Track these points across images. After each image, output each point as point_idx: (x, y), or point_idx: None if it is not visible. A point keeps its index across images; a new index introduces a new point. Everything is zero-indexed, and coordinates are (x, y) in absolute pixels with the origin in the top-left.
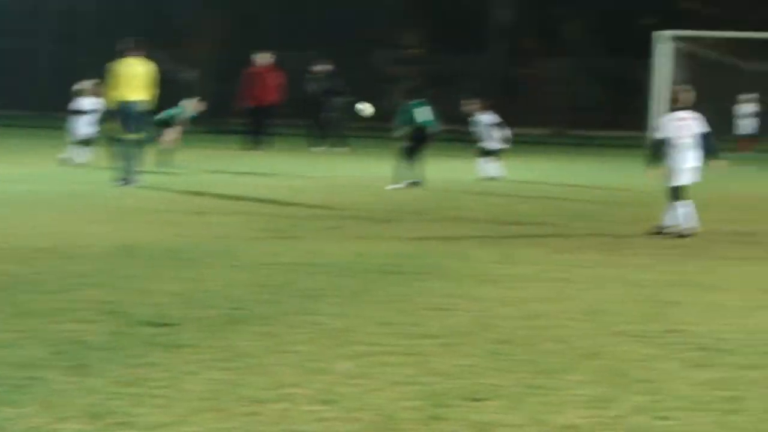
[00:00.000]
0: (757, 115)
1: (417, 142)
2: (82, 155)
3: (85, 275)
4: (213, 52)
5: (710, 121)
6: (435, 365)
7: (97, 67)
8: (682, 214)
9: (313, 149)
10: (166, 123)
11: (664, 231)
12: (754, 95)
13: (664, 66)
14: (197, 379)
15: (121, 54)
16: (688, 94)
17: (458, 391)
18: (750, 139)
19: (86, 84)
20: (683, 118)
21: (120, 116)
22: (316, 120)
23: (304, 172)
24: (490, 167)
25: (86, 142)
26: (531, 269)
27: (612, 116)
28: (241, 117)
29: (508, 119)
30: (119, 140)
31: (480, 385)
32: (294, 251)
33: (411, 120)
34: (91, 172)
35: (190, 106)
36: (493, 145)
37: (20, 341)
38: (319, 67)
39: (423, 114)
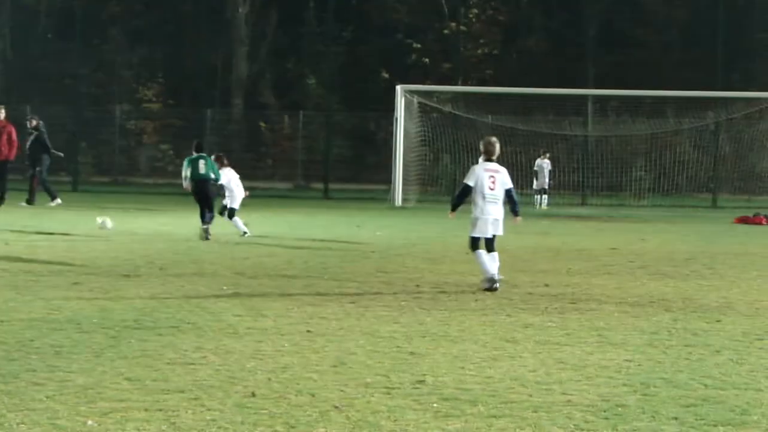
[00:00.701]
0: None
1: (197, 195)
2: None
3: None
4: None
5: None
6: (182, 420)
7: None
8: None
9: (49, 204)
10: None
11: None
12: None
13: (404, 119)
14: None
15: None
16: (497, 146)
17: None
18: None
19: None
20: (494, 170)
21: None
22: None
23: (43, 228)
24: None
25: None
26: (277, 322)
27: (354, 169)
28: None
29: (251, 173)
30: None
31: None
32: (35, 307)
33: (193, 173)
34: None
35: None
36: (235, 203)
37: None
38: (33, 122)
39: (200, 167)
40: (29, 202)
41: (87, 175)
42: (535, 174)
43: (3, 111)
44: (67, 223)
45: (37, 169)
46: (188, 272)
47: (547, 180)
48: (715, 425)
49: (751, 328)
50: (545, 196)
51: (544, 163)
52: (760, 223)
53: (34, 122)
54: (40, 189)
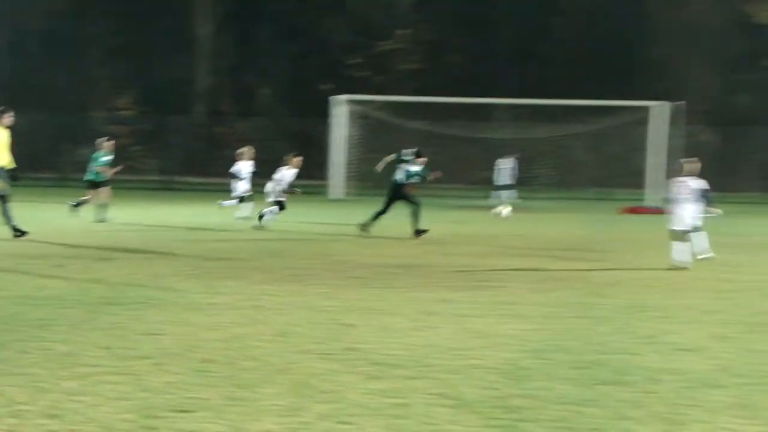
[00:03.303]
0: None
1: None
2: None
3: None
4: None
5: (378, 173)
6: (148, 382)
7: None
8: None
9: None
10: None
11: None
12: (412, 150)
13: (340, 125)
14: None
15: None
16: None
17: (168, 404)
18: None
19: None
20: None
21: None
22: None
23: (42, 219)
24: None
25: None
26: (230, 299)
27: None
28: None
29: (212, 170)
30: None
31: (187, 399)
32: (21, 286)
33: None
34: None
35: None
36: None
37: None
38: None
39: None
40: None
41: (69, 173)
42: (498, 172)
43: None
44: (55, 214)
45: None
46: (155, 256)
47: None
48: (600, 384)
49: (634, 302)
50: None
51: (504, 163)
52: (657, 213)
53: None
54: None
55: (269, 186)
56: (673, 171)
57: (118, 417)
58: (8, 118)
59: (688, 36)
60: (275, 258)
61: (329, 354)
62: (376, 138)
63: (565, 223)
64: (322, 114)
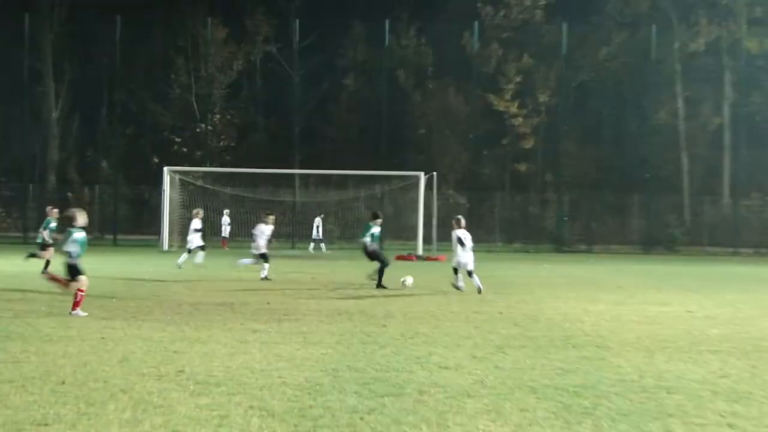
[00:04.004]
0: (230, 224)
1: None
2: None
3: None
4: None
5: (203, 228)
6: (12, 401)
7: None
8: None
9: None
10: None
11: None
12: (227, 210)
13: (168, 191)
14: None
15: None
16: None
17: (30, 419)
18: (224, 240)
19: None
20: None
21: None
22: None
23: None
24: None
25: None
26: (80, 331)
27: (135, 225)
28: None
29: (61, 229)
30: None
31: (45, 414)
32: None
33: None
34: None
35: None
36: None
37: None
38: None
39: None
40: None
41: None
42: (316, 229)
43: None
44: None
45: None
46: (15, 297)
47: (319, 232)
48: (381, 396)
49: (406, 331)
50: (321, 244)
51: (317, 221)
52: (411, 260)
53: None
54: None
55: (261, 243)
56: (435, 226)
57: None
58: None
59: (445, 119)
60: (116, 298)
61: (162, 376)
62: (197, 201)
63: (348, 268)
64: (153, 182)
